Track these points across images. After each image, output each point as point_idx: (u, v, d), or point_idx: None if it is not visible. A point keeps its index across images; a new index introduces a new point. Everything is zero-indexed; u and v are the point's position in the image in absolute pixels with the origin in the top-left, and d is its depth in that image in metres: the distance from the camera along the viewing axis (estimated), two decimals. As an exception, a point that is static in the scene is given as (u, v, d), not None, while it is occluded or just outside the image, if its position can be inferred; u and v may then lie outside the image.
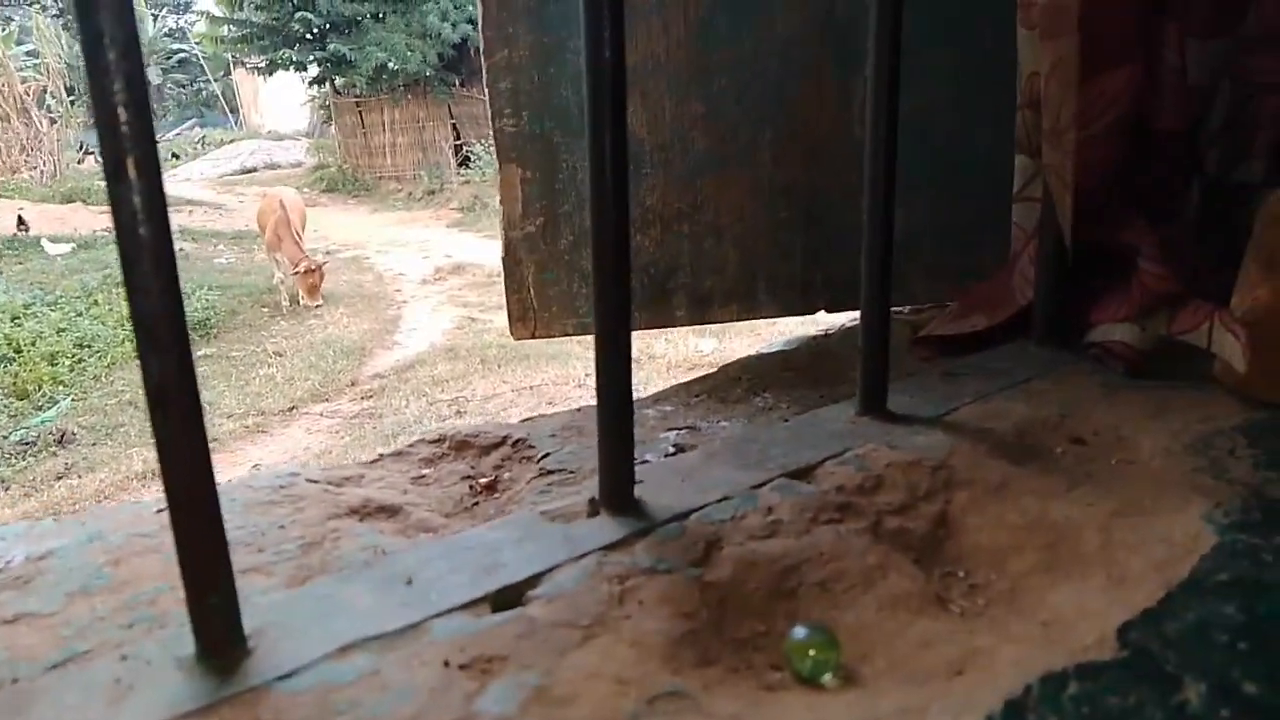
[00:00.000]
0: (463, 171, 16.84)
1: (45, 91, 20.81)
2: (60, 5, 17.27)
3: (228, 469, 6.53)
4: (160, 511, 0.82)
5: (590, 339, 1.40)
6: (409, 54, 15.85)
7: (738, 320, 1.31)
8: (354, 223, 15.32)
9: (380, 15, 16.11)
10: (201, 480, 0.52)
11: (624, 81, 0.65)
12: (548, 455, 0.94)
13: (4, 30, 20.35)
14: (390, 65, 15.93)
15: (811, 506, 0.67)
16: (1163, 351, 0.90)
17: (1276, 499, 0.64)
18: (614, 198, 0.64)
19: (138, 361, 0.48)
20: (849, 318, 1.34)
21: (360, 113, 17.65)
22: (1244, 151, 0.94)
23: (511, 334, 1.30)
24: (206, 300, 10.07)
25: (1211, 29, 0.87)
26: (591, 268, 0.63)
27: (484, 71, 1.21)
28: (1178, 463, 0.71)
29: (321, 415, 7.66)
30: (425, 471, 0.97)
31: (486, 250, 12.85)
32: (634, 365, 0.67)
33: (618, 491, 0.68)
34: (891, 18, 0.76)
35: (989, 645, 0.54)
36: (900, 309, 1.32)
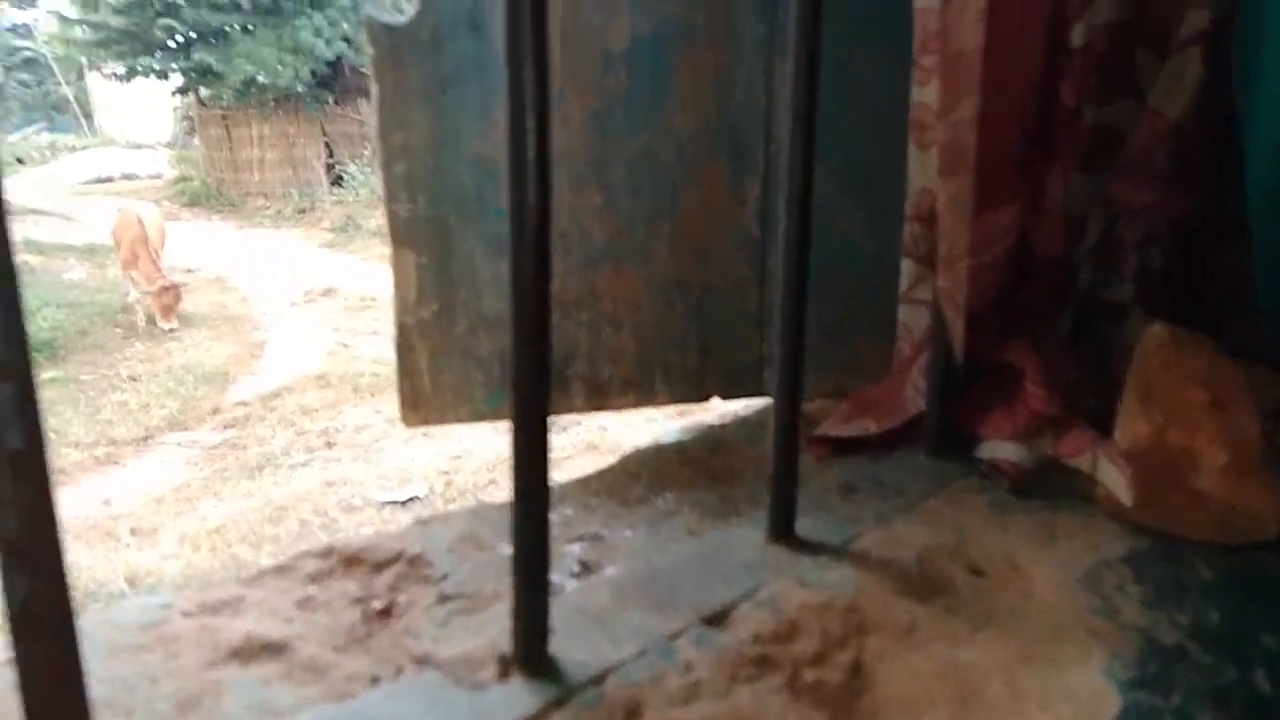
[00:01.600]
0: (335, 191, 16.33)
1: None
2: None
3: (75, 504, 6.07)
4: None
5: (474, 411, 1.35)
6: (280, 68, 15.29)
7: (635, 408, 1.30)
8: (218, 240, 14.62)
9: (250, 27, 15.50)
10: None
11: (548, 164, 0.63)
12: (446, 577, 0.90)
13: None
14: (260, 79, 15.33)
15: (729, 660, 0.66)
16: (1045, 469, 0.94)
17: (1167, 646, 0.67)
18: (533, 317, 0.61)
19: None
20: (741, 405, 1.35)
21: (227, 125, 16.89)
22: (1115, 273, 1.00)
23: (403, 421, 1.25)
24: (53, 319, 9.39)
25: (1091, 164, 0.92)
26: (510, 437, 0.61)
27: (379, 153, 1.16)
28: (1071, 600, 0.74)
29: (179, 445, 7.23)
30: (311, 591, 0.91)
31: (359, 272, 12.49)
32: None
33: (531, 649, 0.65)
34: (805, 124, 0.77)
35: (909, 825, 0.53)
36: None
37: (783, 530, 0.83)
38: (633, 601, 0.75)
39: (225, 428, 7.55)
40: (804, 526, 0.85)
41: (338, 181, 16.45)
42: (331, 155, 16.81)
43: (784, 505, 0.83)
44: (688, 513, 1.03)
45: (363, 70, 16.24)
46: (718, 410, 1.36)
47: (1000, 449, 0.94)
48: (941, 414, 1.00)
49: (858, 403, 1.10)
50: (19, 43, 29.49)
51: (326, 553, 0.96)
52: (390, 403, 7.61)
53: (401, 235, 1.19)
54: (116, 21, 15.85)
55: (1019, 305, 0.98)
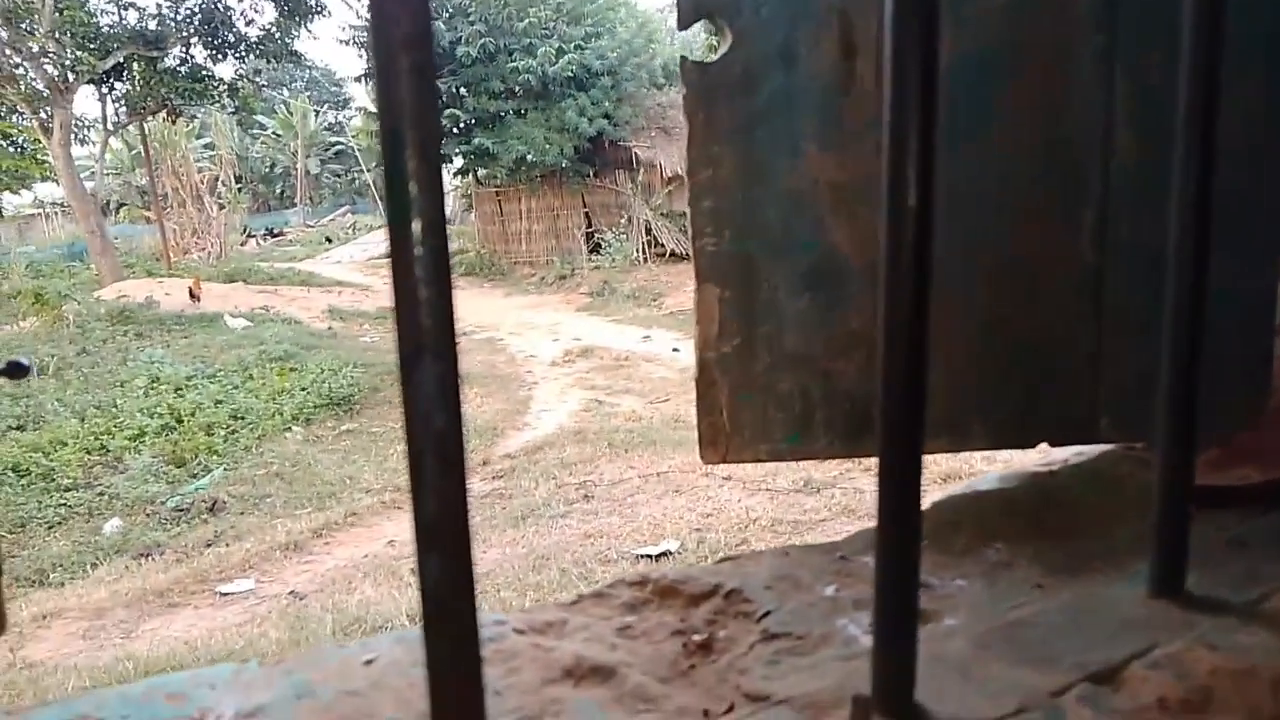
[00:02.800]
0: (593, 258, 17.27)
1: (217, 180, 22.77)
2: (236, 104, 18.91)
3: (365, 543, 6.69)
4: (369, 663, 0.78)
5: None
6: (547, 147, 16.55)
7: (948, 452, 1.21)
8: (489, 305, 15.86)
9: (522, 111, 16.93)
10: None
11: (931, 202, 0.59)
12: (768, 614, 0.85)
13: (188, 126, 22.41)
14: (529, 157, 16.66)
15: (1132, 728, 0.56)
16: None
17: None
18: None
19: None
20: (1073, 451, 1.22)
21: (499, 201, 18.46)
22: None
23: (701, 457, 1.23)
24: (351, 378, 10.50)
25: None
26: (880, 478, 0.56)
27: (687, 190, 1.17)
28: None
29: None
30: (630, 620, 0.90)
31: (613, 334, 13.04)
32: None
33: (896, 695, 0.59)
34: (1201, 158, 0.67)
35: None
36: (1134, 445, 1.19)
37: (1170, 587, 0.72)
38: (998, 654, 0.66)
39: (494, 478, 8.04)
40: (1193, 583, 0.73)
41: (595, 249, 17.42)
42: (590, 224, 17.85)
43: (1172, 557, 0.71)
44: (1028, 566, 0.93)
45: (620, 143, 17.19)
46: (1038, 457, 1.23)
47: None
48: (1356, 462, 0.84)
49: (1233, 449, 0.95)
50: (333, 139, 34.11)
51: (641, 582, 0.95)
52: (643, 458, 7.80)
53: (706, 270, 1.18)
54: (411, 113, 17.85)
55: None
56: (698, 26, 1.18)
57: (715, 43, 1.19)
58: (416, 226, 0.41)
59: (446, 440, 0.42)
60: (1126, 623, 0.68)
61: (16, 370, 1.50)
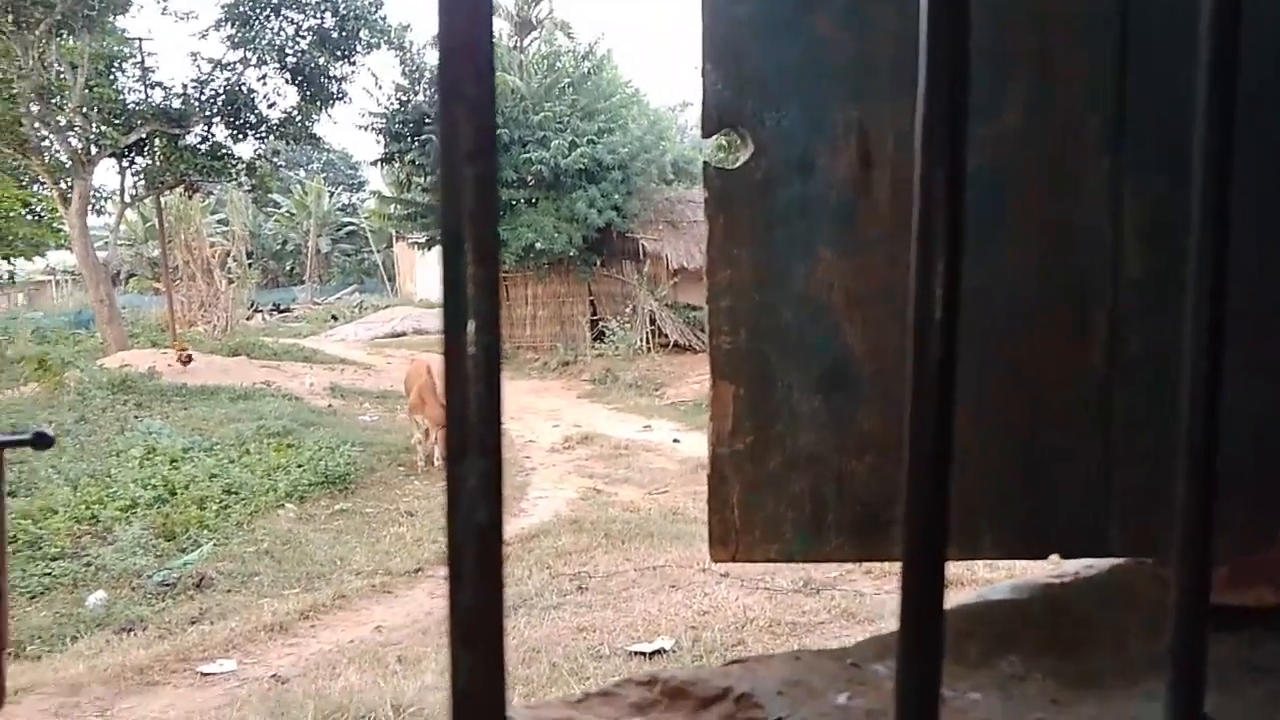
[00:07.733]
0: (597, 346, 17.40)
1: (228, 255, 23.09)
2: (253, 182, 19.34)
3: (352, 628, 6.54)
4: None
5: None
6: (556, 235, 16.85)
7: (958, 560, 1.20)
8: (490, 389, 15.83)
9: (533, 200, 17.31)
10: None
11: (955, 316, 0.60)
12: (780, 721, 0.84)
13: (203, 201, 22.88)
14: (538, 245, 16.94)
15: None
16: None
17: None
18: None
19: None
20: (1084, 564, 1.21)
21: (506, 287, 18.68)
22: None
23: (711, 555, 1.23)
24: (349, 455, 10.43)
25: None
26: (901, 589, 0.56)
27: (706, 289, 1.20)
28: None
29: (445, 580, 7.64)
30: (637, 721, 0.89)
31: (614, 422, 13.02)
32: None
33: (916, 812, 0.57)
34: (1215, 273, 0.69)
35: None
36: (1144, 560, 1.19)
37: (1188, 712, 0.71)
38: (1018, 771, 0.65)
39: (487, 565, 7.86)
40: (1211, 707, 0.72)
41: (599, 337, 17.56)
42: (595, 312, 18.04)
43: (1190, 683, 0.71)
44: (1043, 680, 0.92)
45: (628, 235, 17.50)
46: (1050, 568, 1.23)
47: None
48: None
49: (1245, 567, 0.95)
50: (345, 219, 34.82)
51: (650, 682, 0.94)
52: (639, 551, 7.69)
53: (721, 367, 1.20)
54: (424, 198, 18.29)
55: None
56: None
57: (724, 143, 1.24)
58: (471, 327, 0.43)
59: (488, 536, 0.43)
60: (1147, 745, 0.67)
61: (41, 441, 1.52)
